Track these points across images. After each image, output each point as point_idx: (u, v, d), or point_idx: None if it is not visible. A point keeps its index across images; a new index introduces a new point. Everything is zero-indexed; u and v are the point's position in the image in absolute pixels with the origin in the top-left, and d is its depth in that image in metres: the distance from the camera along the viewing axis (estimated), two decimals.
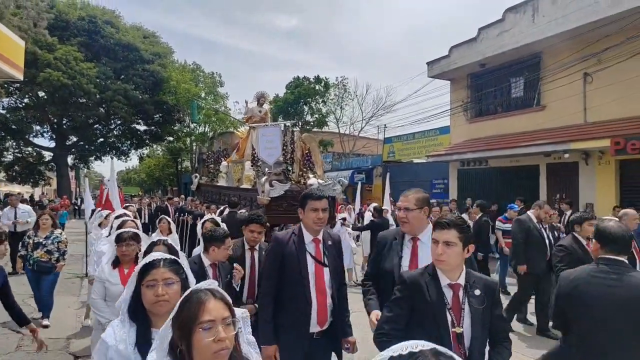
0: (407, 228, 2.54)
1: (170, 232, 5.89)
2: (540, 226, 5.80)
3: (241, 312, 1.35)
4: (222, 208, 8.07)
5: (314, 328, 2.54)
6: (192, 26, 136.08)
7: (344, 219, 8.99)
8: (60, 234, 5.98)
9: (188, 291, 1.29)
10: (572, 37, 10.43)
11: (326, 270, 2.61)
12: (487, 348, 2.02)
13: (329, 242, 2.69)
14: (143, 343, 1.56)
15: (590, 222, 4.09)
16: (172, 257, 1.75)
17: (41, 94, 26.04)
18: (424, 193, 2.62)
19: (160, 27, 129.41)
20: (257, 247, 3.70)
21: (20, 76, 7.26)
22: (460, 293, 1.97)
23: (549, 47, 11.23)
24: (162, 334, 1.26)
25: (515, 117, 12.33)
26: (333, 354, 2.74)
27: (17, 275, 6.14)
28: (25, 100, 27.72)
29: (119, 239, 3.21)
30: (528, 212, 6.07)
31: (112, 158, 28.44)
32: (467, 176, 13.84)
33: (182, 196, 17.55)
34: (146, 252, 1.97)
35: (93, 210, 7.88)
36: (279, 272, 2.61)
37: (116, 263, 3.20)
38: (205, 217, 4.84)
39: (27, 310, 4.99)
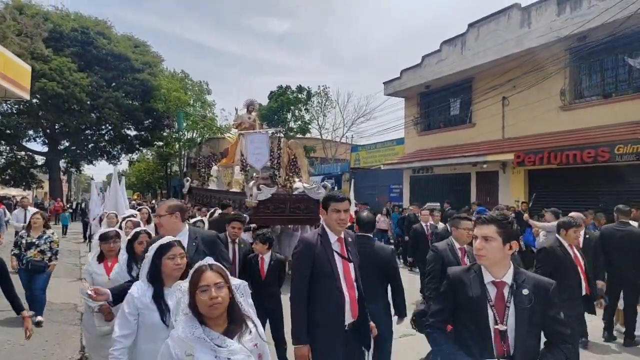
0: (163, 231, 3.09)
1: None
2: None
3: (239, 282, 1.97)
4: (212, 210, 8.50)
5: (348, 319, 2.77)
6: (183, 30, 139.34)
7: None
8: (52, 233, 6.16)
9: (196, 265, 1.91)
10: (491, 67, 13.07)
11: (351, 266, 2.88)
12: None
13: (350, 239, 2.97)
14: (157, 297, 2.34)
15: (575, 229, 4.25)
16: (180, 239, 2.57)
17: (35, 100, 28.34)
18: (176, 202, 3.26)
19: (152, 31, 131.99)
20: (237, 240, 4.80)
21: (27, 96, 7.98)
22: (506, 291, 2.02)
23: (477, 74, 13.89)
24: (178, 298, 1.94)
25: (453, 132, 15.00)
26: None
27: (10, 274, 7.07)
28: (20, 106, 30.03)
29: (106, 237, 3.81)
30: None
31: (115, 163, 30.70)
32: (417, 182, 16.47)
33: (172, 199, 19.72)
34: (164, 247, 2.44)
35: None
36: (311, 272, 2.78)
37: (101, 258, 3.80)
38: (194, 219, 5.82)
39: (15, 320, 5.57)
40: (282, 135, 14.39)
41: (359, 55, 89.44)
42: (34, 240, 5.90)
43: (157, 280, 2.38)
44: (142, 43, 33.96)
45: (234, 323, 1.85)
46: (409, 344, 4.97)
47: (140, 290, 2.36)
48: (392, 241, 14.02)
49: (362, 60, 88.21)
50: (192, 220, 5.12)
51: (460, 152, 13.89)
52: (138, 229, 3.65)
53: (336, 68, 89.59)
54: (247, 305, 1.96)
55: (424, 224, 8.02)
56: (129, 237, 3.58)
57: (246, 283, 2.05)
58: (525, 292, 2.00)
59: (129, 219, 5.18)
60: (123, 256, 3.46)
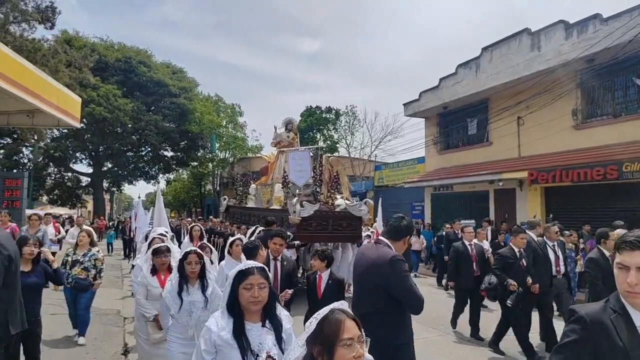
0: None
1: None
2: (546, 244, 6.32)
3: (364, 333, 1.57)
4: (252, 228, 8.42)
5: None
6: (217, 52, 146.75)
7: (369, 237, 9.56)
8: (98, 251, 6.19)
9: (325, 310, 1.56)
10: (505, 88, 13.80)
11: None
12: None
13: None
14: (238, 332, 2.07)
15: (522, 236, 5.50)
16: (262, 265, 2.26)
17: (81, 125, 30.90)
18: None
19: (187, 54, 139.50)
20: (279, 257, 4.58)
21: (77, 125, 8.51)
22: None
23: (492, 95, 14.63)
24: (292, 353, 1.61)
25: (471, 151, 15.70)
26: None
27: (56, 292, 6.31)
28: (68, 130, 32.77)
29: (158, 252, 4.07)
30: (528, 231, 6.56)
31: (154, 182, 32.78)
32: (438, 199, 17.17)
33: (212, 217, 20.51)
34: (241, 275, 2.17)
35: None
36: None
37: (154, 271, 4.08)
38: (233, 237, 5.36)
39: (62, 327, 6.32)
40: (322, 152, 14.91)
41: (388, 72, 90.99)
42: (79, 257, 5.98)
43: (237, 311, 2.12)
44: (179, 69, 36.62)
45: None
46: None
47: (220, 323, 2.12)
48: (422, 260, 14.54)
49: (391, 77, 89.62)
50: (231, 239, 4.94)
51: (478, 170, 14.55)
52: (189, 249, 3.61)
53: (366, 85, 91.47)
54: None
55: (467, 243, 7.11)
56: (180, 257, 3.64)
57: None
58: None
59: (157, 236, 5.28)
60: (175, 276, 3.48)
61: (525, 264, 5.86)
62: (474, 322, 6.78)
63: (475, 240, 7.40)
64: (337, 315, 1.52)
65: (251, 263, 2.24)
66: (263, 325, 2.13)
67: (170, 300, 3.34)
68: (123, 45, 34.36)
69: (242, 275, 2.13)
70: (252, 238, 6.28)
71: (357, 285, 3.21)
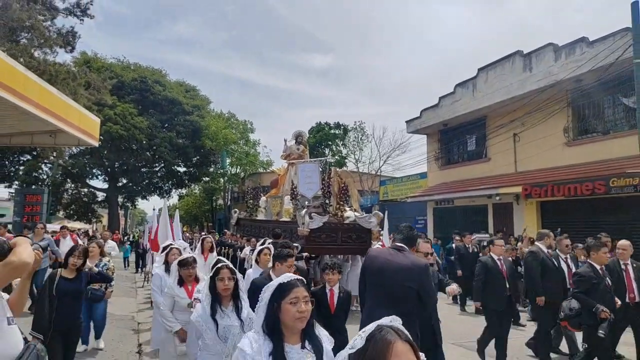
0: None
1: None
2: (555, 254, 6.13)
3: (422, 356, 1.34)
4: (261, 241, 8.07)
5: None
6: (229, 68, 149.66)
7: None
8: (109, 261, 6.41)
9: (373, 326, 1.33)
10: (500, 107, 14.52)
11: None
12: None
13: None
14: (278, 356, 1.82)
15: (604, 250, 5.11)
16: (300, 277, 2.05)
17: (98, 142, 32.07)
18: None
19: (200, 71, 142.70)
20: None
21: (96, 144, 8.64)
22: None
23: (490, 113, 15.36)
24: None
25: (470, 166, 16.40)
26: None
27: None
28: (86, 147, 34.17)
29: (185, 264, 4.06)
30: (536, 242, 6.43)
31: (167, 197, 33.98)
32: (440, 213, 17.80)
33: (226, 230, 21.23)
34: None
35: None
36: None
37: (181, 282, 4.06)
38: (262, 246, 5.16)
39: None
40: (331, 164, 15.22)
41: (398, 87, 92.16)
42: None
43: (276, 331, 1.91)
44: (192, 88, 38.06)
45: None
46: None
47: (256, 345, 1.89)
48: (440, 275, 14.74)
49: (402, 92, 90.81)
50: (259, 247, 4.93)
51: (477, 185, 15.21)
52: (220, 264, 3.17)
53: (376, 100, 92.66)
54: None
55: (496, 257, 6.02)
56: (210, 273, 3.20)
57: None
58: None
59: (174, 247, 5.24)
60: (207, 297, 3.08)
61: (610, 283, 5.15)
62: (501, 350, 5.71)
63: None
64: (386, 335, 1.29)
65: (290, 275, 2.04)
66: (303, 347, 1.91)
67: (203, 326, 2.94)
68: (139, 65, 35.92)
69: (284, 290, 1.92)
70: None
71: (382, 287, 3.30)
